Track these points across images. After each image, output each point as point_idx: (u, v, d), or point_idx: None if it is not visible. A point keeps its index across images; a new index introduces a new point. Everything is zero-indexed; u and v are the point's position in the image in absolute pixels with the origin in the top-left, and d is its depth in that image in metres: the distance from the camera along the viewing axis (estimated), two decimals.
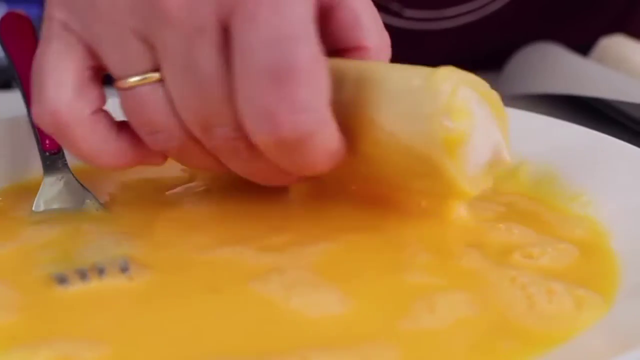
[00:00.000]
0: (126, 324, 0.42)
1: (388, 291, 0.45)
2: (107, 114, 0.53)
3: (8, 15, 0.71)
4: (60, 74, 0.52)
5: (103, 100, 0.53)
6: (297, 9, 0.50)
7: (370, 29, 0.56)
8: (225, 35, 0.50)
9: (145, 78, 0.51)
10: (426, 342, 0.41)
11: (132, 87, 0.52)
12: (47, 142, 0.59)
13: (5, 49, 0.68)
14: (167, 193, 0.58)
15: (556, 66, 0.80)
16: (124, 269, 0.47)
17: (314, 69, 0.49)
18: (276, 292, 0.45)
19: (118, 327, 0.42)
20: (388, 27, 0.59)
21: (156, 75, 0.51)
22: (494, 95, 0.51)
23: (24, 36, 0.69)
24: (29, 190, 0.57)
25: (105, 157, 0.53)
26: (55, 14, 0.53)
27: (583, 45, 0.88)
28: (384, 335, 0.42)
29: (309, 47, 0.49)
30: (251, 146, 0.51)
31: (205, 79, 0.50)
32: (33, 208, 0.55)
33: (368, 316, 0.43)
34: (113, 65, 0.52)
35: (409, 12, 0.89)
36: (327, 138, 0.50)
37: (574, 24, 0.92)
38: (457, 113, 0.49)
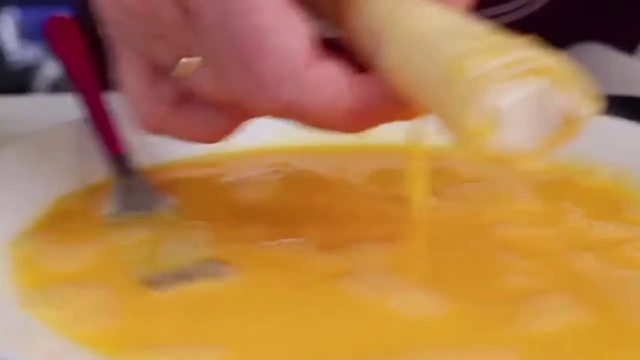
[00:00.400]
0: (235, 326, 0.43)
1: (489, 294, 0.45)
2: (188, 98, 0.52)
3: (52, 20, 0.70)
4: (132, 87, 0.53)
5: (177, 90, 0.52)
6: None
7: None
8: None
9: None
10: (541, 346, 0.41)
11: None
12: (114, 145, 0.59)
13: (55, 54, 0.68)
14: (234, 192, 0.58)
15: (603, 67, 0.80)
16: (211, 271, 0.48)
17: (277, 36, 0.48)
18: (368, 291, 0.45)
19: (228, 329, 0.42)
20: None
21: None
22: (554, 64, 0.49)
23: (71, 39, 0.69)
24: (98, 193, 0.57)
25: (205, 134, 0.52)
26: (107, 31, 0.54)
27: (628, 45, 0.88)
28: (495, 339, 0.42)
29: (263, 13, 0.48)
30: None
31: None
32: (107, 211, 0.55)
33: (472, 319, 0.43)
34: None
35: None
36: (325, 98, 0.49)
37: (618, 22, 0.92)
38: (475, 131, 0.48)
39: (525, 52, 0.50)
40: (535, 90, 0.51)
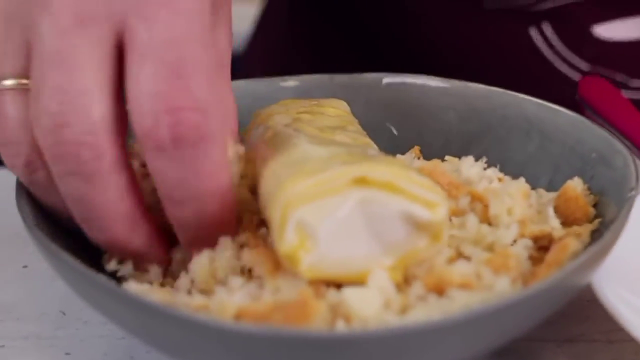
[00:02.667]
0: None
1: None
2: None
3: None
4: None
5: None
6: (188, 2, 0.51)
7: None
8: (113, 34, 0.51)
9: (17, 82, 0.53)
10: None
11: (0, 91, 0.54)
12: None
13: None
14: None
15: None
16: None
17: (213, 73, 0.51)
18: None
19: None
20: None
21: (25, 81, 0.53)
22: (379, 173, 0.52)
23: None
24: None
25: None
26: None
27: None
28: None
29: (205, 48, 0.51)
30: (106, 160, 0.51)
31: (75, 70, 0.50)
32: None
33: None
34: None
35: (635, 82, 0.85)
36: (218, 149, 0.51)
37: None
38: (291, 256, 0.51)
39: (345, 167, 0.52)
40: (360, 200, 0.52)
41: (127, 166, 0.53)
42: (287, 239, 0.51)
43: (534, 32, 0.82)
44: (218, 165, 0.52)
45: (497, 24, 0.83)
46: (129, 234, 0.55)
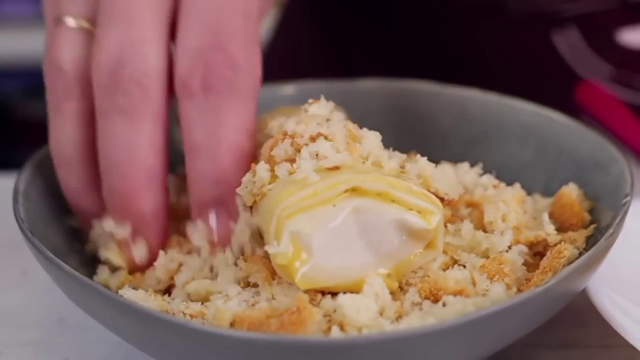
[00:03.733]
0: None
1: None
2: None
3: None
4: None
5: None
6: None
7: None
8: None
9: (79, 23, 0.58)
10: None
11: (63, 26, 0.58)
12: None
13: None
14: None
15: None
16: None
17: (249, 40, 0.56)
18: None
19: None
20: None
21: (86, 24, 0.58)
22: (368, 183, 0.52)
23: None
24: None
25: None
26: None
27: None
28: None
29: (245, 18, 0.57)
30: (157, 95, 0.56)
31: (137, 20, 0.56)
32: None
33: None
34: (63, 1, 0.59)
35: None
36: (244, 106, 0.56)
37: None
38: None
39: (339, 177, 0.52)
40: (354, 209, 0.52)
41: (166, 126, 0.57)
42: (282, 250, 0.51)
43: (556, 37, 0.82)
44: (241, 122, 0.57)
45: (519, 29, 0.84)
46: (145, 190, 0.57)
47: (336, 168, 0.53)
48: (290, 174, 0.53)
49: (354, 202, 0.52)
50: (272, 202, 0.52)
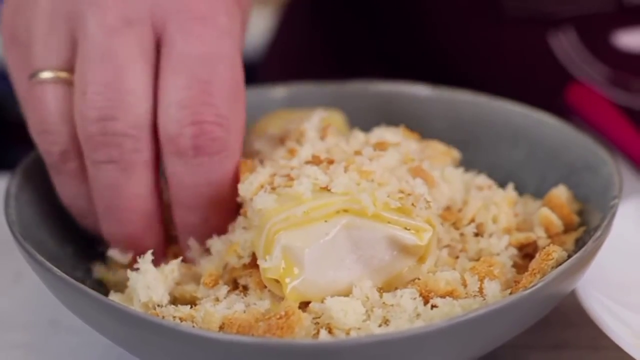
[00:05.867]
0: None
1: None
2: None
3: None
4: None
5: None
6: (223, 21, 0.55)
7: None
8: (153, 37, 0.55)
9: (57, 75, 0.56)
10: None
11: (40, 82, 0.56)
12: None
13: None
14: None
15: None
16: None
17: (236, 91, 0.55)
18: None
19: None
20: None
21: (65, 74, 0.56)
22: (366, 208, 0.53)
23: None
24: None
25: None
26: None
27: None
28: None
29: (232, 68, 0.55)
30: (142, 153, 0.55)
31: (122, 69, 0.54)
32: None
33: None
34: (34, 56, 0.56)
35: None
36: (232, 162, 0.55)
37: None
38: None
39: (332, 198, 0.53)
40: (346, 225, 0.53)
41: (158, 166, 0.57)
42: (274, 264, 0.52)
43: (552, 39, 0.83)
44: (230, 178, 0.56)
45: (515, 30, 0.84)
46: (146, 232, 0.57)
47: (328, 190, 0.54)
48: (286, 187, 0.54)
49: (346, 219, 0.52)
50: (263, 217, 0.53)
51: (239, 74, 0.56)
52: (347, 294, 0.52)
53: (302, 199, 0.53)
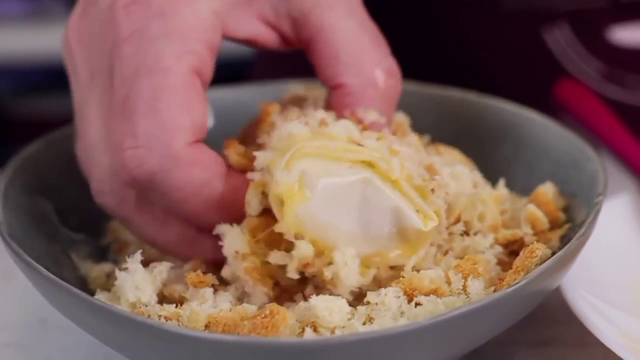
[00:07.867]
0: None
1: None
2: None
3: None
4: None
5: None
6: (159, 43, 0.51)
7: (350, 65, 0.56)
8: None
9: None
10: None
11: None
12: None
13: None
14: None
15: None
16: None
17: (158, 103, 0.50)
18: None
19: None
20: None
21: None
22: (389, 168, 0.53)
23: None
24: None
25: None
26: None
27: None
28: None
29: (154, 79, 0.51)
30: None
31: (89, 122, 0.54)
32: None
33: None
34: None
35: None
36: (191, 179, 0.51)
37: None
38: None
39: (361, 147, 0.53)
40: (360, 179, 0.53)
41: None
42: (287, 180, 0.51)
43: (547, 34, 0.83)
44: (189, 184, 0.53)
45: (510, 24, 0.84)
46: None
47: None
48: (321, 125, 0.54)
49: (368, 173, 0.52)
50: (293, 140, 0.52)
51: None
52: (332, 244, 0.52)
53: (336, 138, 0.53)
